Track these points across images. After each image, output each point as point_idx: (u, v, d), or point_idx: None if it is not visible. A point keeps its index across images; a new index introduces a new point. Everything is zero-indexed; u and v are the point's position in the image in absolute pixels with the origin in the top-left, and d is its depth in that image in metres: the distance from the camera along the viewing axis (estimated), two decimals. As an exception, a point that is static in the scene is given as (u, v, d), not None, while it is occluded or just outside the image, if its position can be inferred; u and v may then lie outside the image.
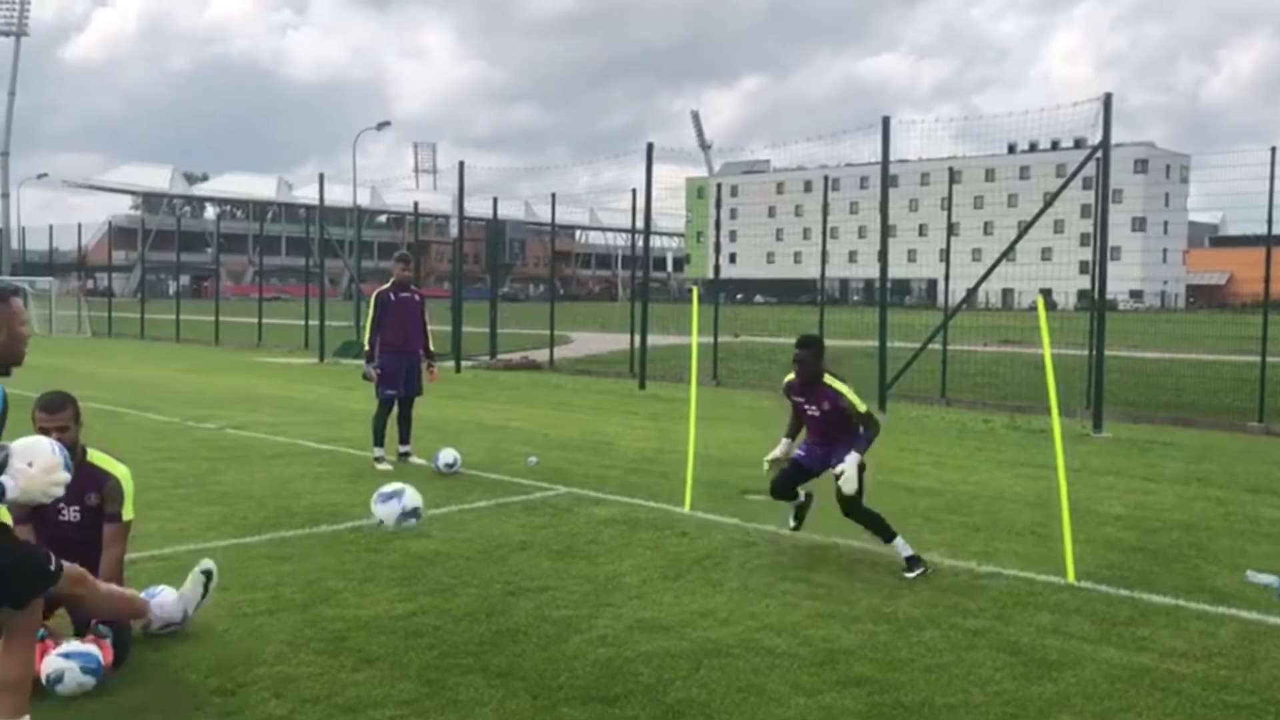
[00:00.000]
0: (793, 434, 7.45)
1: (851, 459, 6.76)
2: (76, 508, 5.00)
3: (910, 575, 6.58)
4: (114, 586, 4.48)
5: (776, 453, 7.39)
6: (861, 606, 5.98)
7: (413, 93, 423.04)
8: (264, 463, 10.57)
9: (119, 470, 5.07)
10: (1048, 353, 6.97)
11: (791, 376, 7.21)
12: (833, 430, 7.05)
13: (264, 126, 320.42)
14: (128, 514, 5.05)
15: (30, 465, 3.85)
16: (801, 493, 7.47)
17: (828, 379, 7.01)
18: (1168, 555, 7.31)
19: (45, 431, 4.86)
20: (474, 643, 5.28)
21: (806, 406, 7.14)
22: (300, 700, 4.53)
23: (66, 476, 3.95)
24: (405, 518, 6.65)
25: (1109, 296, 16.81)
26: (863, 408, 6.98)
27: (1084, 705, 4.65)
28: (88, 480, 4.99)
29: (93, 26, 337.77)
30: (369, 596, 6.03)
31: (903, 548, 6.73)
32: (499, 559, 6.92)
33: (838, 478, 6.79)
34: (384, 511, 6.66)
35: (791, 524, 7.57)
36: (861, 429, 6.93)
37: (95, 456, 5.08)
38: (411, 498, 6.62)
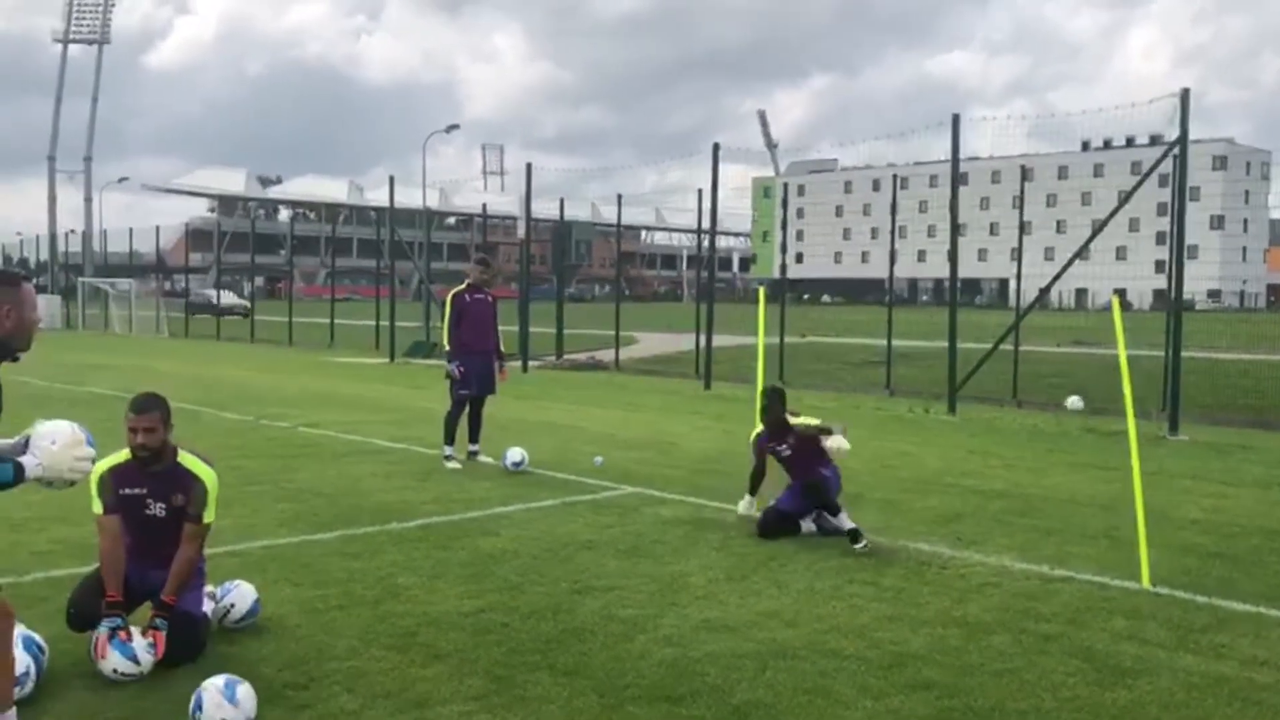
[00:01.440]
0: (754, 489, 8.10)
1: (835, 437, 7.69)
2: (163, 505, 5.13)
3: (859, 546, 7.13)
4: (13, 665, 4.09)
5: (743, 510, 8.09)
6: (930, 610, 5.92)
7: (482, 95, 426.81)
8: (335, 461, 10.74)
9: (206, 474, 5.17)
10: (1123, 354, 6.84)
11: (759, 430, 8.00)
12: (808, 461, 7.77)
13: (337, 130, 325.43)
14: (208, 517, 5.15)
15: (53, 444, 3.83)
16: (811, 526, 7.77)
17: (790, 419, 7.87)
18: (1247, 561, 7.12)
19: (134, 432, 4.99)
20: (541, 640, 5.32)
21: (779, 448, 7.89)
22: (371, 695, 4.60)
23: (91, 451, 3.89)
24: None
25: (1186, 296, 16.45)
26: (816, 421, 7.96)
27: (1160, 714, 4.55)
28: (176, 481, 5.11)
29: (175, 33, 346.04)
30: (438, 593, 6.10)
31: (844, 521, 7.36)
32: (566, 558, 6.96)
33: (837, 448, 7.69)
34: None
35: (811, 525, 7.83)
36: (824, 432, 7.76)
37: (185, 459, 5.18)
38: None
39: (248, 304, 43.13)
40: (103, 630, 4.75)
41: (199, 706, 4.22)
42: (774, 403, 7.89)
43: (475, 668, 4.94)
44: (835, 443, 7.69)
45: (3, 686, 3.88)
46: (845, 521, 7.36)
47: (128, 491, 5.09)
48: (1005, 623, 5.71)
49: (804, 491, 7.64)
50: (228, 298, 51.91)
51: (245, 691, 4.27)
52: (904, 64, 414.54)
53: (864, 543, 7.17)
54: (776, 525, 7.61)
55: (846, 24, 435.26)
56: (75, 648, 4.93)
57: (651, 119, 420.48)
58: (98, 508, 5.09)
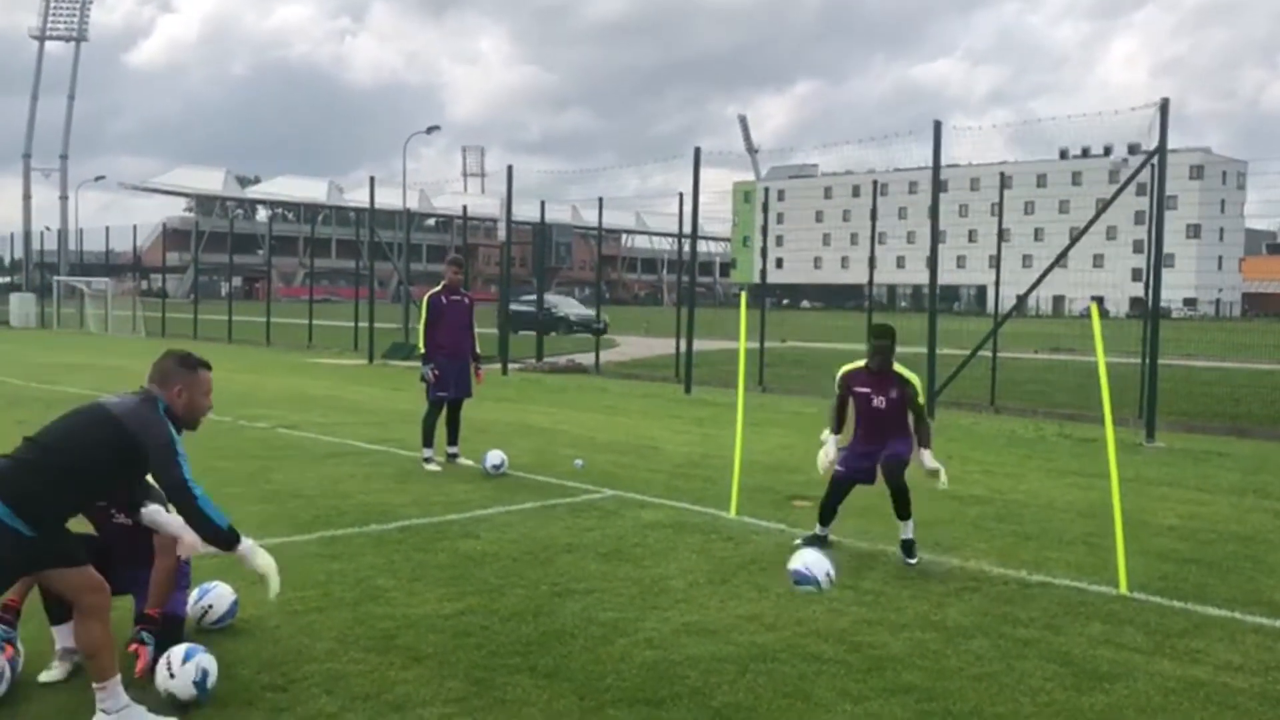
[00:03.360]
0: (838, 426, 7.50)
1: (930, 454, 7.17)
2: (124, 515, 5.09)
3: (912, 561, 6.93)
4: (111, 635, 4.36)
5: (831, 451, 7.36)
6: (909, 614, 5.94)
7: (466, 98, 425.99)
8: (315, 462, 10.69)
9: None
10: (1101, 361, 6.88)
11: (853, 367, 7.31)
12: (890, 423, 7.21)
13: (319, 130, 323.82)
14: None
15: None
16: (829, 531, 7.53)
17: (898, 367, 7.22)
18: (1223, 567, 7.19)
19: None
20: (521, 643, 5.31)
21: (873, 397, 7.19)
22: (350, 697, 4.58)
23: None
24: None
25: (1162, 304, 16.56)
26: (922, 399, 7.30)
27: (1136, 717, 4.59)
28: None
29: (158, 32, 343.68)
30: (418, 595, 6.08)
31: (906, 530, 7.05)
32: (546, 560, 6.96)
33: (933, 474, 7.10)
34: None
35: (797, 541, 7.43)
36: (917, 422, 7.24)
37: None
38: None
39: (605, 321, 33.25)
40: None
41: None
42: (888, 346, 7.15)
43: (455, 670, 4.93)
44: (929, 461, 7.10)
45: (106, 659, 4.20)
46: (906, 530, 7.04)
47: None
48: (984, 627, 5.74)
49: (885, 471, 7.11)
50: (568, 305, 41.16)
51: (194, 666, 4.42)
52: (889, 72, 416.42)
53: (916, 559, 6.92)
54: (841, 493, 7.30)
55: (833, 31, 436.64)
56: (51, 647, 4.88)
57: (636, 123, 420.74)
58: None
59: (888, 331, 7.25)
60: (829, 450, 7.35)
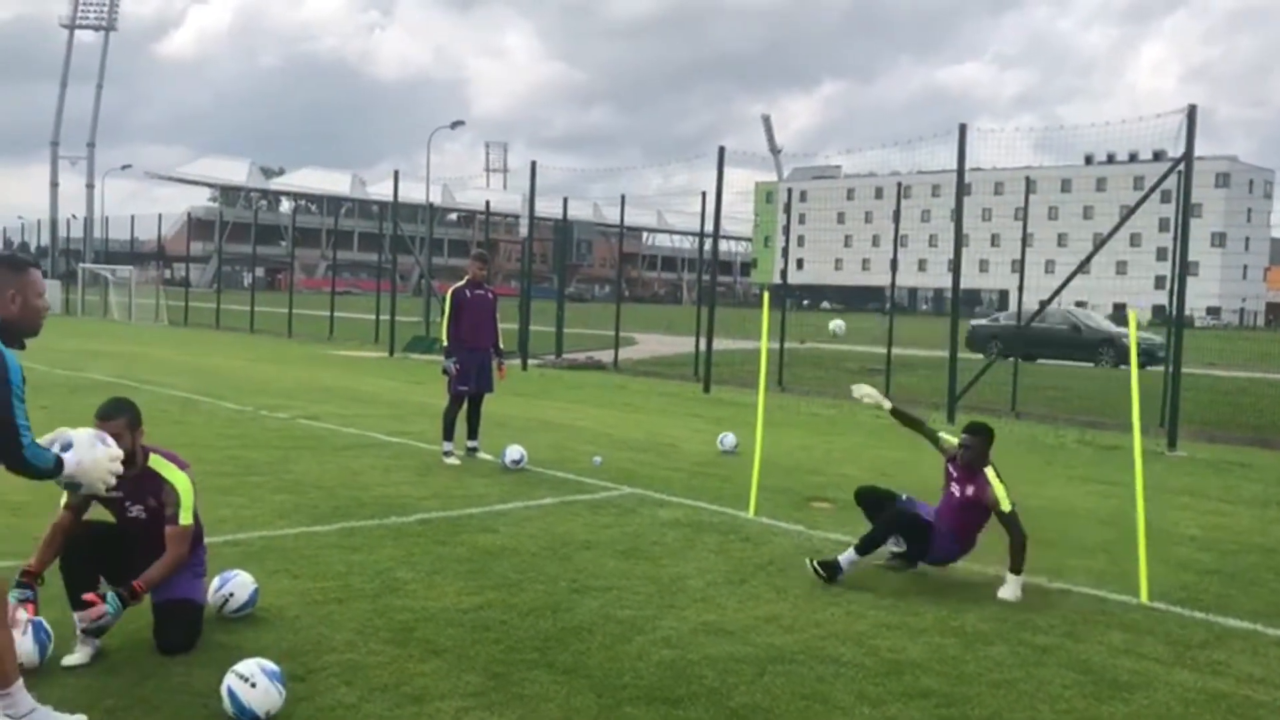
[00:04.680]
0: (911, 423, 7.40)
1: (1013, 580, 6.45)
2: (141, 507, 5.12)
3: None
4: (7, 639, 4.11)
5: (875, 397, 7.42)
6: (929, 618, 5.92)
7: (492, 92, 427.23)
8: (335, 453, 10.74)
9: (177, 479, 5.12)
10: (1134, 370, 6.84)
11: (955, 445, 6.91)
12: (959, 519, 6.75)
13: (345, 123, 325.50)
14: (185, 519, 5.10)
15: (93, 448, 4.03)
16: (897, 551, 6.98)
17: (989, 470, 6.69)
18: (1245, 578, 7.14)
19: None
20: (539, 638, 5.32)
21: (954, 485, 6.80)
22: (369, 688, 4.60)
23: (119, 457, 4.13)
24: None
25: (1186, 312, 16.45)
26: (1008, 505, 6.56)
27: (1156, 728, 4.56)
28: (148, 485, 5.10)
29: (189, 22, 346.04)
30: (436, 588, 6.10)
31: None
32: (564, 556, 6.96)
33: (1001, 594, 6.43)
34: None
35: (893, 549, 7.05)
36: (1009, 534, 6.52)
37: (156, 462, 5.14)
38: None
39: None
40: (12, 598, 4.69)
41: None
42: (977, 444, 6.69)
43: (473, 664, 4.94)
44: (1011, 592, 6.39)
45: (8, 663, 3.95)
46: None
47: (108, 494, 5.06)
48: (1003, 633, 5.71)
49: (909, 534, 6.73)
50: (1097, 323, 29.66)
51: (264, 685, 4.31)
52: (916, 73, 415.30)
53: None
54: (876, 503, 6.93)
55: (861, 32, 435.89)
56: (73, 632, 4.92)
57: (661, 121, 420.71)
58: (63, 501, 5.07)
59: (978, 429, 6.80)
60: (874, 396, 7.43)
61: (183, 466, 5.22)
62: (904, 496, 7.12)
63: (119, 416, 5.00)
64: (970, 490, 6.68)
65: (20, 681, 4.01)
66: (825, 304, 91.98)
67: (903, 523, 6.78)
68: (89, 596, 4.76)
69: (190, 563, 5.28)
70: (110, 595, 4.79)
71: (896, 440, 13.62)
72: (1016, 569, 6.46)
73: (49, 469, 3.88)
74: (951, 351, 16.17)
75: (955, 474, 6.82)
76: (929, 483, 10.35)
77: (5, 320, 3.89)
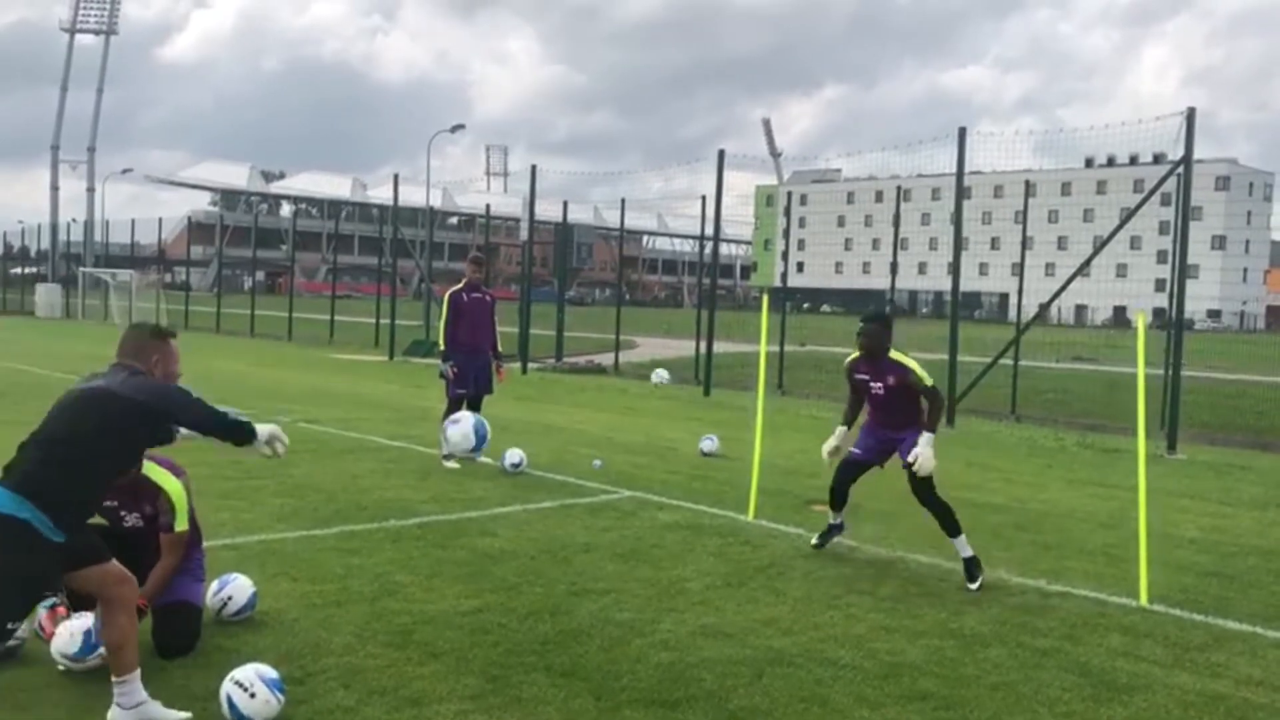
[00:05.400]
0: (849, 420, 7.45)
1: (924, 439, 6.78)
2: (137, 515, 5.13)
3: (972, 587, 6.57)
4: (135, 628, 4.37)
5: (833, 442, 7.40)
6: (927, 621, 5.92)
7: (494, 96, 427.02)
8: (335, 457, 10.74)
9: (169, 484, 5.14)
10: (1141, 373, 6.84)
11: (855, 355, 7.21)
12: (896, 409, 7.03)
13: (347, 127, 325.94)
14: (179, 525, 5.11)
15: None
16: (842, 517, 7.44)
17: (893, 354, 7.01)
18: (1244, 581, 7.13)
19: None
20: (538, 641, 5.32)
21: (872, 384, 7.08)
22: (367, 691, 4.60)
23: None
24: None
25: (1186, 315, 16.45)
26: (929, 381, 6.94)
27: (1155, 730, 4.56)
28: (143, 492, 5.10)
29: (191, 26, 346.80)
30: (435, 592, 6.10)
31: (963, 547, 6.77)
32: (563, 559, 6.96)
33: (911, 464, 6.80)
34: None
35: (815, 541, 7.52)
36: (925, 404, 6.93)
37: (150, 470, 5.15)
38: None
39: None
40: (42, 610, 4.75)
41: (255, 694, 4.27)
42: (875, 330, 7.01)
43: (471, 667, 4.94)
44: (923, 456, 6.75)
45: (130, 653, 4.24)
46: (962, 548, 6.74)
47: (103, 504, 5.07)
48: (1002, 636, 5.71)
49: (916, 493, 6.92)
50: None
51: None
52: (918, 77, 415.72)
53: (977, 583, 6.57)
54: (849, 476, 7.22)
55: (863, 36, 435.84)
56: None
57: (664, 125, 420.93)
58: None
59: (873, 317, 7.20)
60: (830, 442, 7.42)
61: (177, 473, 5.22)
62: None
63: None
64: (891, 379, 6.96)
65: (138, 672, 4.24)
66: (825, 307, 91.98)
67: (850, 471, 7.25)
68: (63, 610, 4.77)
69: (189, 566, 5.29)
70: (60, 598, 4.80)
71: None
72: (931, 428, 6.84)
73: (251, 434, 4.59)
74: (951, 354, 16.16)
75: (867, 374, 7.09)
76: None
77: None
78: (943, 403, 7.03)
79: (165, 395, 4.40)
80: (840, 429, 7.43)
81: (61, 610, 4.81)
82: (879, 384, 7.04)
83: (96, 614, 4.50)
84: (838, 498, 7.39)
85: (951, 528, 6.86)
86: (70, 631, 4.70)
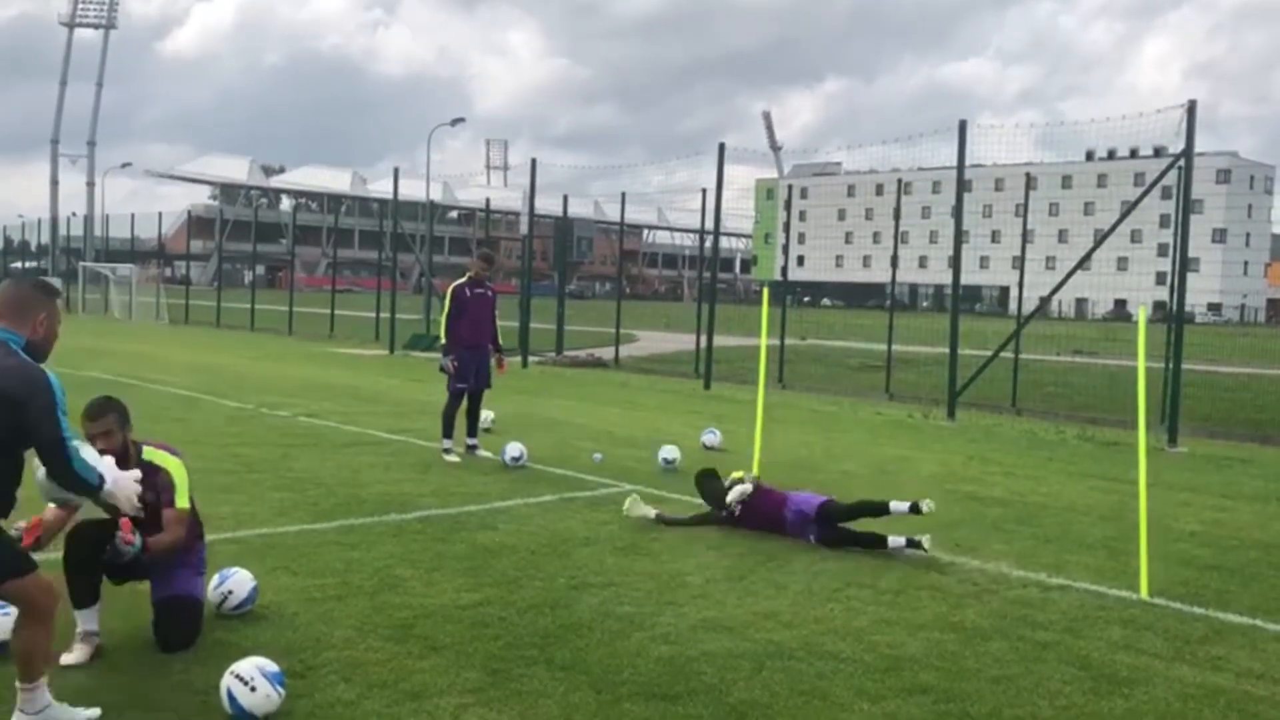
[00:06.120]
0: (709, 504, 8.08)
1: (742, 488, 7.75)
2: (141, 503, 5.11)
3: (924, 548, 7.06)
4: (50, 641, 4.18)
5: (634, 509, 7.98)
6: (928, 614, 5.92)
7: (496, 90, 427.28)
8: (335, 451, 10.74)
9: (170, 463, 5.14)
10: (1141, 365, 6.84)
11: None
12: (764, 511, 7.70)
13: (348, 121, 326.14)
14: (181, 502, 5.10)
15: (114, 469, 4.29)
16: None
17: (726, 492, 7.84)
18: (1245, 574, 7.13)
19: (92, 439, 4.89)
20: (538, 635, 5.32)
21: (734, 517, 7.77)
22: (368, 685, 4.60)
23: (139, 473, 4.40)
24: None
25: (1187, 309, 16.44)
26: (737, 483, 7.90)
27: (1156, 723, 4.56)
28: (145, 478, 5.08)
29: (193, 20, 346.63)
30: (436, 586, 6.10)
31: (899, 506, 7.39)
32: (563, 553, 6.96)
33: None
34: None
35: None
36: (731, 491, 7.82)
37: (149, 453, 5.15)
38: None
39: None
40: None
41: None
42: (705, 486, 8.01)
43: (472, 660, 4.94)
44: (737, 493, 7.68)
45: (39, 663, 4.07)
46: (899, 506, 7.37)
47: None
48: (1002, 629, 5.71)
49: (821, 521, 7.38)
50: None
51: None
52: (919, 70, 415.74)
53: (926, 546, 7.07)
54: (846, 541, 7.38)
55: (864, 29, 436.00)
56: (72, 630, 4.92)
57: (664, 119, 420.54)
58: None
59: (697, 480, 8.23)
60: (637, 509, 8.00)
61: (175, 453, 5.23)
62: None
63: (107, 414, 5.01)
64: (738, 509, 7.70)
65: (45, 679, 4.10)
66: (826, 301, 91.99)
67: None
68: (125, 522, 4.73)
69: (190, 560, 5.29)
70: (137, 534, 4.79)
71: (898, 437, 13.64)
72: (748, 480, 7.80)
73: (94, 484, 4.08)
74: (952, 348, 16.16)
75: (724, 514, 7.77)
76: (926, 476, 10.38)
77: (30, 342, 4.03)
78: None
79: (36, 389, 3.86)
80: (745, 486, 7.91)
81: None
82: (730, 514, 7.75)
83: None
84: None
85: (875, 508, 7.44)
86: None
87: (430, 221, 36.76)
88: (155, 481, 5.09)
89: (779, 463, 10.58)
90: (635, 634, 5.39)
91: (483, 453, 10.65)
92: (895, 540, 7.14)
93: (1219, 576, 7.03)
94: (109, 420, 4.99)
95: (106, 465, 4.21)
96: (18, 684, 4.06)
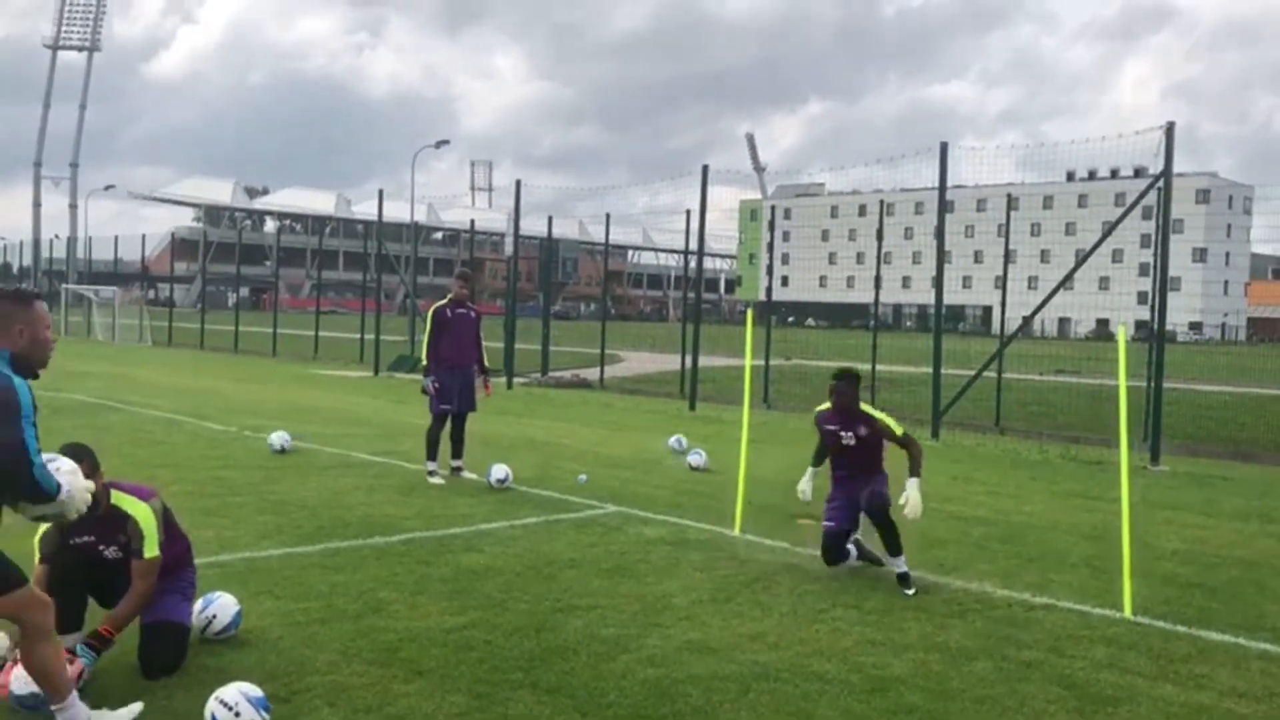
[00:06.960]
0: (818, 461, 7.70)
1: (912, 484, 7.03)
2: (115, 547, 5.08)
3: (909, 593, 6.78)
4: (61, 651, 4.26)
5: (806, 483, 7.69)
6: (913, 634, 5.93)
7: (480, 112, 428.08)
8: (318, 474, 10.70)
9: (138, 510, 5.08)
10: (1123, 384, 6.88)
11: (825, 406, 7.48)
12: (864, 459, 7.30)
13: (333, 142, 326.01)
14: (149, 552, 5.03)
15: (74, 476, 4.21)
16: (851, 550, 7.43)
17: (864, 406, 7.32)
18: (1227, 592, 7.17)
19: None
20: (524, 658, 5.31)
21: (841, 433, 7.32)
22: (352, 709, 4.58)
23: (92, 487, 4.33)
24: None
25: (1168, 328, 16.55)
26: (900, 429, 7.24)
27: (1139, 742, 4.57)
28: (115, 524, 5.05)
29: (178, 43, 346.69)
30: (420, 609, 6.08)
31: (900, 565, 6.97)
32: (549, 575, 6.95)
33: (903, 506, 6.97)
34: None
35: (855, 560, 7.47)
36: (907, 451, 7.17)
37: (118, 498, 5.10)
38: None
39: None
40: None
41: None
42: (846, 389, 7.24)
43: (457, 684, 4.92)
44: (912, 500, 6.97)
45: (59, 679, 4.13)
46: (899, 564, 6.95)
47: (79, 540, 5.02)
48: (987, 649, 5.72)
49: (869, 513, 7.08)
50: None
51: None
52: (902, 92, 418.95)
53: (913, 590, 6.80)
54: (838, 547, 7.25)
55: (848, 51, 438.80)
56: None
57: (649, 140, 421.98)
58: (36, 558, 5.01)
59: (843, 373, 7.38)
60: (803, 482, 7.70)
61: (145, 496, 5.16)
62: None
63: (79, 464, 4.95)
64: (862, 430, 7.23)
65: (75, 694, 4.18)
66: (810, 321, 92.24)
67: (835, 541, 7.26)
68: (71, 658, 4.66)
69: (179, 585, 5.28)
70: (80, 648, 4.73)
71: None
72: (917, 472, 7.08)
73: (52, 493, 4.01)
74: (935, 368, 16.22)
75: (837, 424, 7.33)
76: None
77: (14, 354, 4.01)
78: (920, 449, 7.24)
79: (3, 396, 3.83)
80: (811, 470, 7.72)
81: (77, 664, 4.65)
82: (849, 434, 7.30)
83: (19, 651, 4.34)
84: (832, 559, 7.32)
85: (894, 547, 6.97)
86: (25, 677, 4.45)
87: (415, 243, 36.77)
88: (125, 529, 5.05)
89: (765, 482, 10.59)
90: (621, 656, 5.39)
91: (467, 475, 10.63)
92: (893, 564, 7.04)
93: (1201, 594, 7.06)
94: (81, 469, 4.95)
95: (65, 474, 4.17)
96: (52, 707, 4.13)
